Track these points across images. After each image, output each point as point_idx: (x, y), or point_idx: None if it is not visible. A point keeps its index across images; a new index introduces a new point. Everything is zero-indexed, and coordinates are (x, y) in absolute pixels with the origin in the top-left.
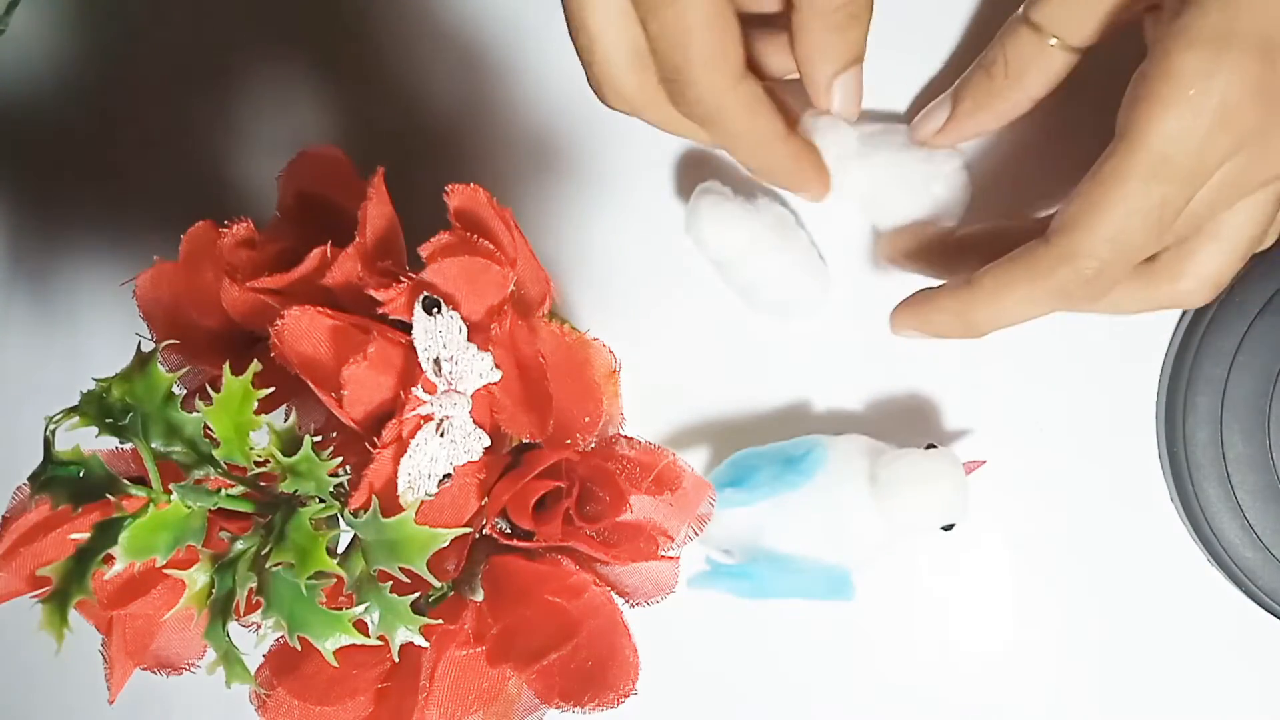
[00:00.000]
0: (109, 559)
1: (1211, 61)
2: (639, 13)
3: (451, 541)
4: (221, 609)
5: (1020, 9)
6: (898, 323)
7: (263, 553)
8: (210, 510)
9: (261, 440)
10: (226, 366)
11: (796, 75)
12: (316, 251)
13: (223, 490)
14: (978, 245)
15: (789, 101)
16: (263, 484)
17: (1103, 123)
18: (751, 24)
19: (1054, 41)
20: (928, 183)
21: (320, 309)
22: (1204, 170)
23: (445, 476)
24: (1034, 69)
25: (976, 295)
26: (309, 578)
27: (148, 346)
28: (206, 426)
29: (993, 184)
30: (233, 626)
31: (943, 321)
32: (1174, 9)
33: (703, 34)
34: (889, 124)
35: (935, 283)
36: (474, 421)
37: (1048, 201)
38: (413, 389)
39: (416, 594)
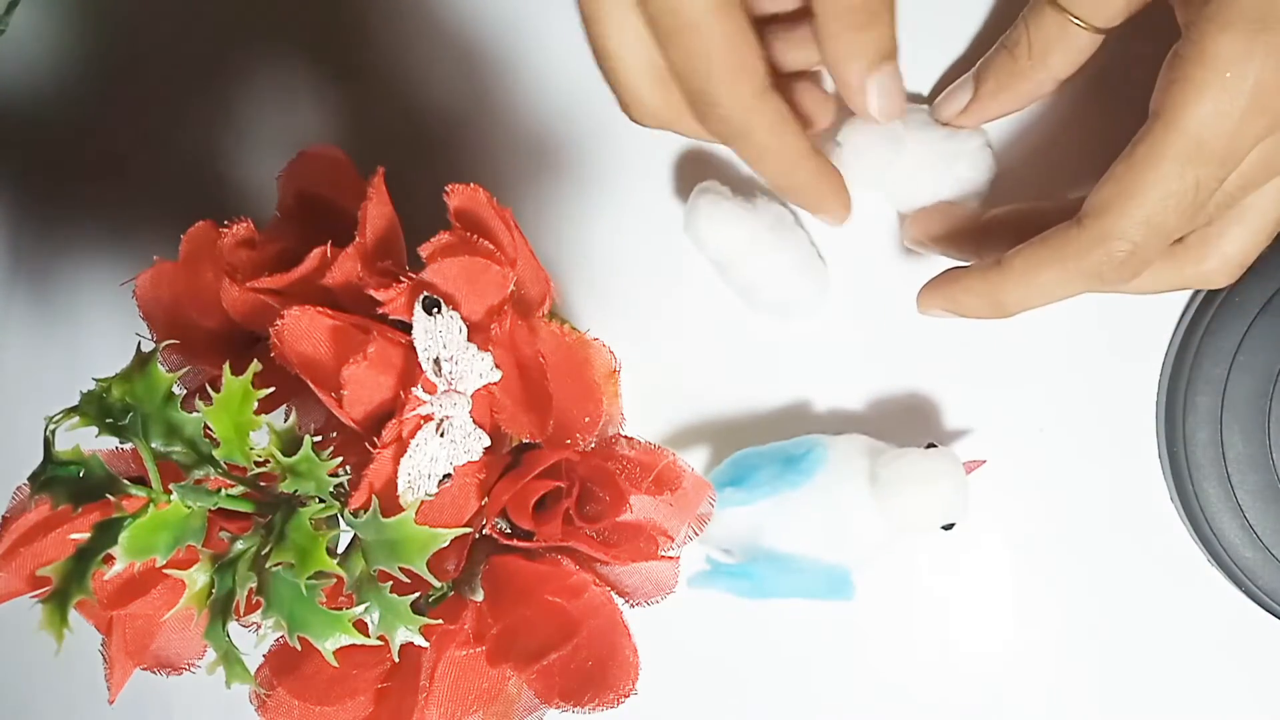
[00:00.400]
0: (109, 559)
1: (1247, 44)
2: (657, 40)
3: (451, 541)
4: (221, 609)
5: None
6: (925, 302)
7: (263, 553)
8: (210, 510)
9: (261, 440)
10: (226, 366)
11: (817, 67)
12: (316, 251)
13: (223, 490)
14: (1006, 226)
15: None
16: (263, 484)
17: (1129, 101)
18: (765, 23)
19: (1078, 21)
20: (951, 162)
21: (320, 309)
22: (1238, 153)
23: (445, 476)
24: (1058, 49)
25: (1007, 276)
26: (309, 578)
27: (148, 346)
28: (206, 426)
29: (1017, 163)
30: (233, 626)
31: (971, 302)
32: None
33: (723, 53)
34: (910, 105)
35: (959, 263)
36: (474, 421)
37: (1072, 179)
38: (413, 389)
39: (416, 594)
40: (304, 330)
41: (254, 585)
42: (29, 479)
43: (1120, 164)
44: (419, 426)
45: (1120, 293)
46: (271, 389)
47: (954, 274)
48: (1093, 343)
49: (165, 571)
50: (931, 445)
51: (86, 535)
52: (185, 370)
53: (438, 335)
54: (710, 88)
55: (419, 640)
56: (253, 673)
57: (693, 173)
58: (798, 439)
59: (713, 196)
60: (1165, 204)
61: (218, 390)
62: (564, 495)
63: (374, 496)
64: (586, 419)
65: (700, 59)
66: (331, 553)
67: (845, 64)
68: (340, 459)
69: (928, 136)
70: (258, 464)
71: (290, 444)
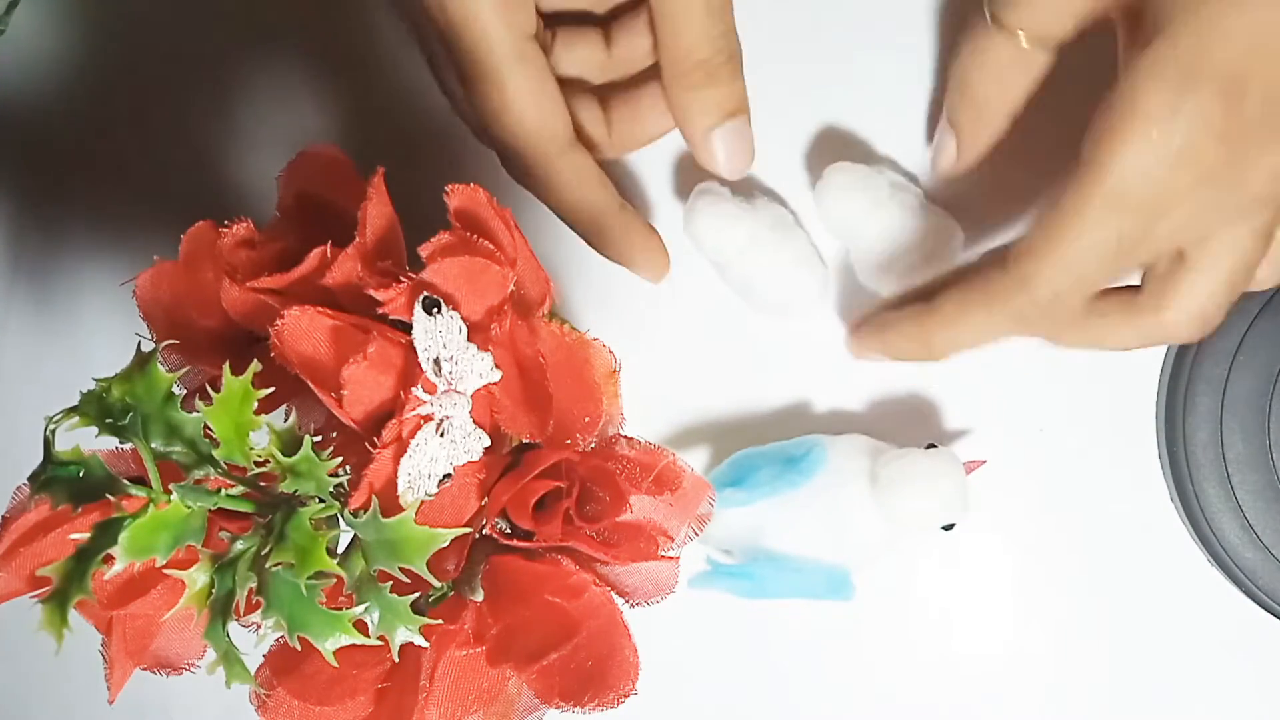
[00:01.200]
0: (109, 559)
1: (1176, 98)
2: (465, 91)
3: (451, 541)
4: (221, 609)
5: (985, 10)
6: (857, 345)
7: (263, 553)
8: (210, 510)
9: (261, 440)
10: (226, 366)
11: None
12: (316, 251)
13: (223, 490)
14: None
15: None
16: (263, 484)
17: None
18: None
19: (1023, 41)
20: (914, 248)
21: (320, 309)
22: (1163, 206)
23: (445, 476)
24: (1011, 72)
25: (934, 318)
26: (309, 578)
27: (148, 346)
28: (206, 426)
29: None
30: (233, 626)
31: (902, 344)
32: (1146, 37)
33: (522, 108)
34: (903, 180)
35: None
36: (474, 421)
37: None
38: (413, 389)
39: (416, 594)
40: (304, 330)
41: (254, 585)
42: (29, 479)
43: (1047, 210)
44: (419, 426)
45: (1092, 349)
46: (271, 389)
47: (885, 317)
48: None
49: (165, 571)
50: (931, 445)
51: (86, 535)
52: (185, 370)
53: (438, 335)
54: (512, 141)
55: (419, 640)
56: (253, 673)
57: (692, 173)
58: (798, 439)
59: (712, 197)
60: (1087, 252)
61: (218, 390)
62: (564, 495)
63: (374, 496)
64: (586, 419)
65: (501, 112)
66: (331, 553)
67: (687, 119)
68: (340, 459)
69: (912, 225)
70: (258, 464)
71: (290, 444)
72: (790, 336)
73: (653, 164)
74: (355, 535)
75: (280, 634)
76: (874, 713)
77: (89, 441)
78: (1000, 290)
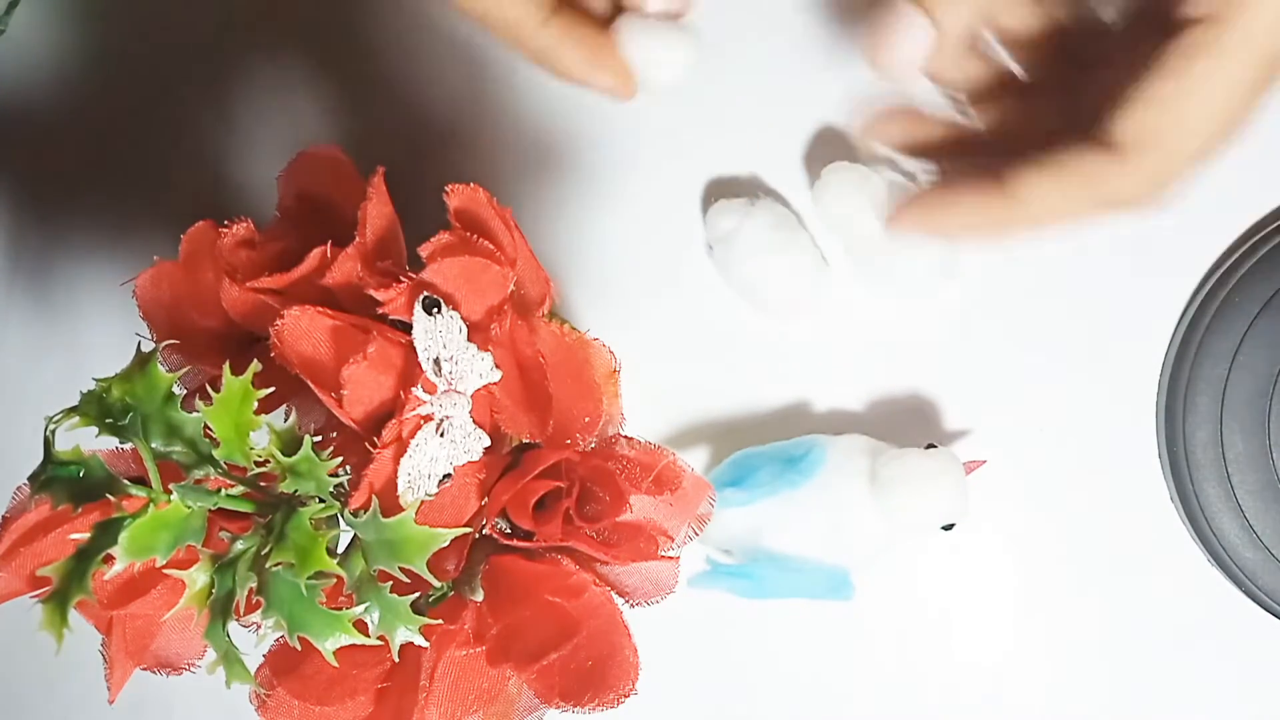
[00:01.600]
0: (109, 559)
1: None
2: None
3: (451, 541)
4: (221, 609)
5: None
6: (904, 220)
7: (263, 553)
8: (210, 510)
9: (261, 440)
10: (226, 366)
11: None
12: (316, 251)
13: (223, 490)
14: (990, 141)
15: None
16: (263, 484)
17: None
18: None
19: None
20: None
21: (320, 309)
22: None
23: (445, 476)
24: None
25: (1016, 207)
26: (309, 578)
27: (148, 346)
28: (206, 426)
29: None
30: (233, 626)
31: (967, 224)
32: None
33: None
34: (906, 181)
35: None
36: (474, 421)
37: None
38: (413, 389)
39: (416, 594)
40: (304, 330)
41: (254, 585)
42: (29, 479)
43: (1165, 83)
44: (419, 426)
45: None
46: (271, 389)
47: (944, 194)
48: (1093, 342)
49: (165, 571)
50: (931, 445)
51: (86, 535)
52: (185, 370)
53: (438, 335)
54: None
55: (419, 640)
56: (253, 673)
57: (692, 172)
58: (798, 439)
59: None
60: (1225, 108)
61: (218, 390)
62: (564, 495)
63: (374, 496)
64: (586, 419)
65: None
66: (331, 553)
67: None
68: (340, 459)
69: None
70: (258, 464)
71: (290, 444)
72: (790, 336)
73: (654, 162)
74: (355, 535)
75: (280, 634)
76: (874, 713)
77: (89, 441)
78: (1114, 187)
